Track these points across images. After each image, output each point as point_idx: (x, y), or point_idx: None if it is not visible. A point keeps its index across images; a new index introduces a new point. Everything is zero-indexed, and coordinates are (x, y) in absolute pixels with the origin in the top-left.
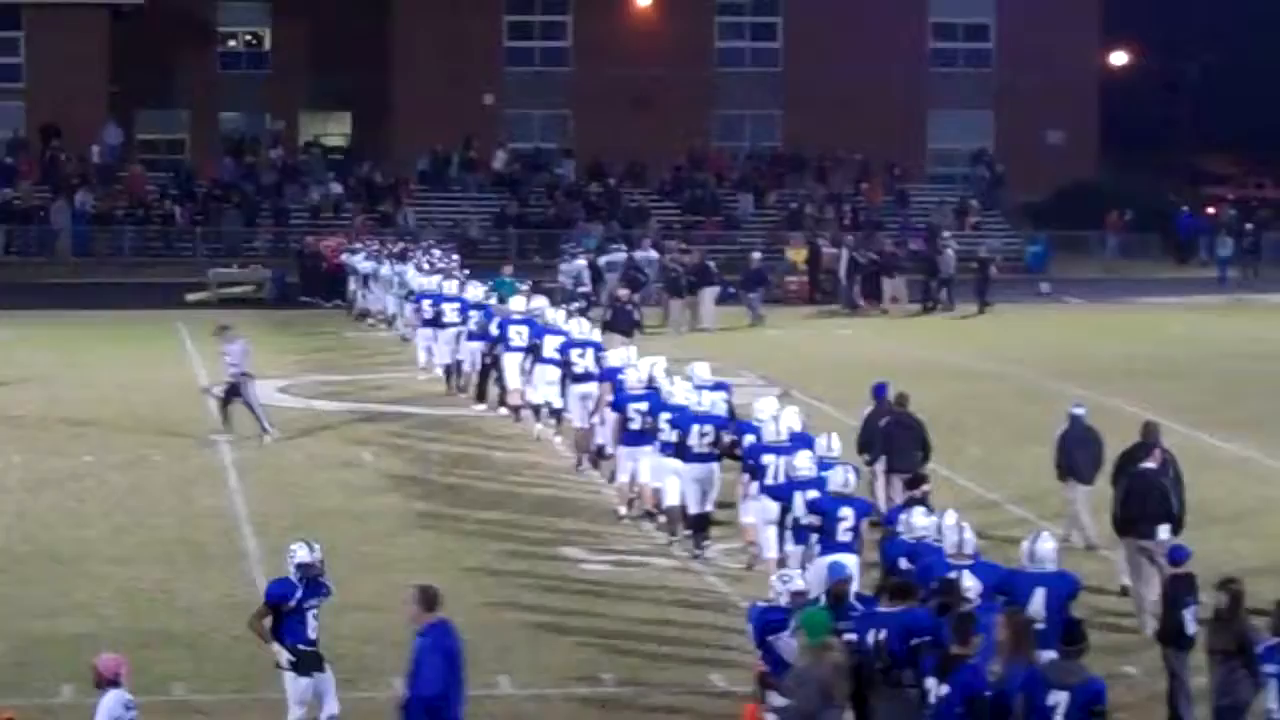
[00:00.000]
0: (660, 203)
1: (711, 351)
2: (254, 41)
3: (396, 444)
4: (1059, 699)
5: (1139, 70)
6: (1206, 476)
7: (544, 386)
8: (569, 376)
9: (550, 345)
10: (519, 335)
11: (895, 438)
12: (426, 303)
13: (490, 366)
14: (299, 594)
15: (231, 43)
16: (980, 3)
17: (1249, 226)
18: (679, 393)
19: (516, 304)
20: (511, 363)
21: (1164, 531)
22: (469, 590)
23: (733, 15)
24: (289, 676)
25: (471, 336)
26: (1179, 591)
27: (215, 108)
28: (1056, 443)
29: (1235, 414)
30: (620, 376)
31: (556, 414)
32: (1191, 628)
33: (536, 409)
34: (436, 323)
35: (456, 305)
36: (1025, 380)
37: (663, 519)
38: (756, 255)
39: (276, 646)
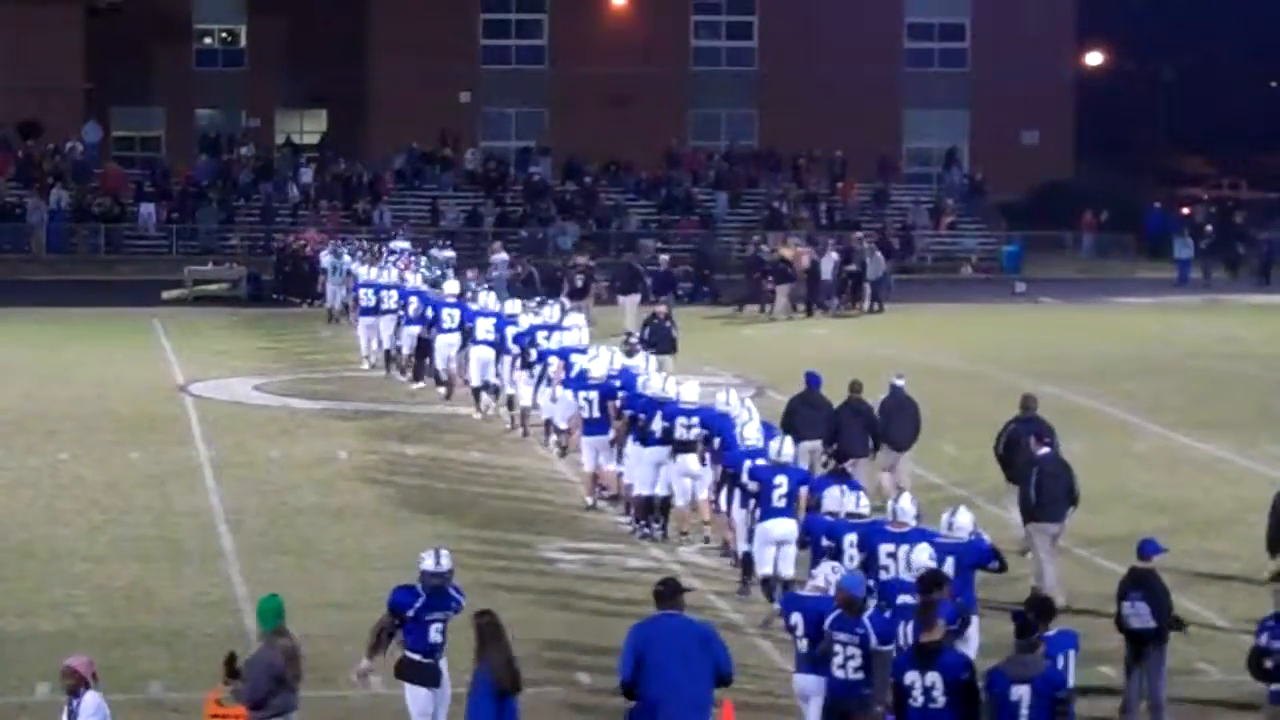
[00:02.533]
0: (636, 201)
1: (686, 350)
2: (229, 39)
3: (371, 441)
4: (1021, 693)
5: (1114, 71)
6: (1181, 476)
7: (478, 365)
8: (523, 362)
9: (483, 327)
10: (450, 318)
11: (845, 423)
12: (367, 291)
13: (425, 348)
14: (419, 604)
15: (207, 40)
16: (956, 3)
17: (1208, 228)
18: (654, 383)
19: (450, 288)
20: (443, 344)
21: (1071, 514)
22: None
23: (709, 14)
24: (407, 687)
25: (409, 321)
26: (1124, 584)
27: (191, 105)
28: (876, 410)
29: (1209, 414)
30: (572, 359)
31: (494, 390)
32: (1132, 623)
33: (477, 391)
34: (376, 310)
35: (395, 292)
36: (999, 380)
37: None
38: (664, 258)
39: (365, 664)
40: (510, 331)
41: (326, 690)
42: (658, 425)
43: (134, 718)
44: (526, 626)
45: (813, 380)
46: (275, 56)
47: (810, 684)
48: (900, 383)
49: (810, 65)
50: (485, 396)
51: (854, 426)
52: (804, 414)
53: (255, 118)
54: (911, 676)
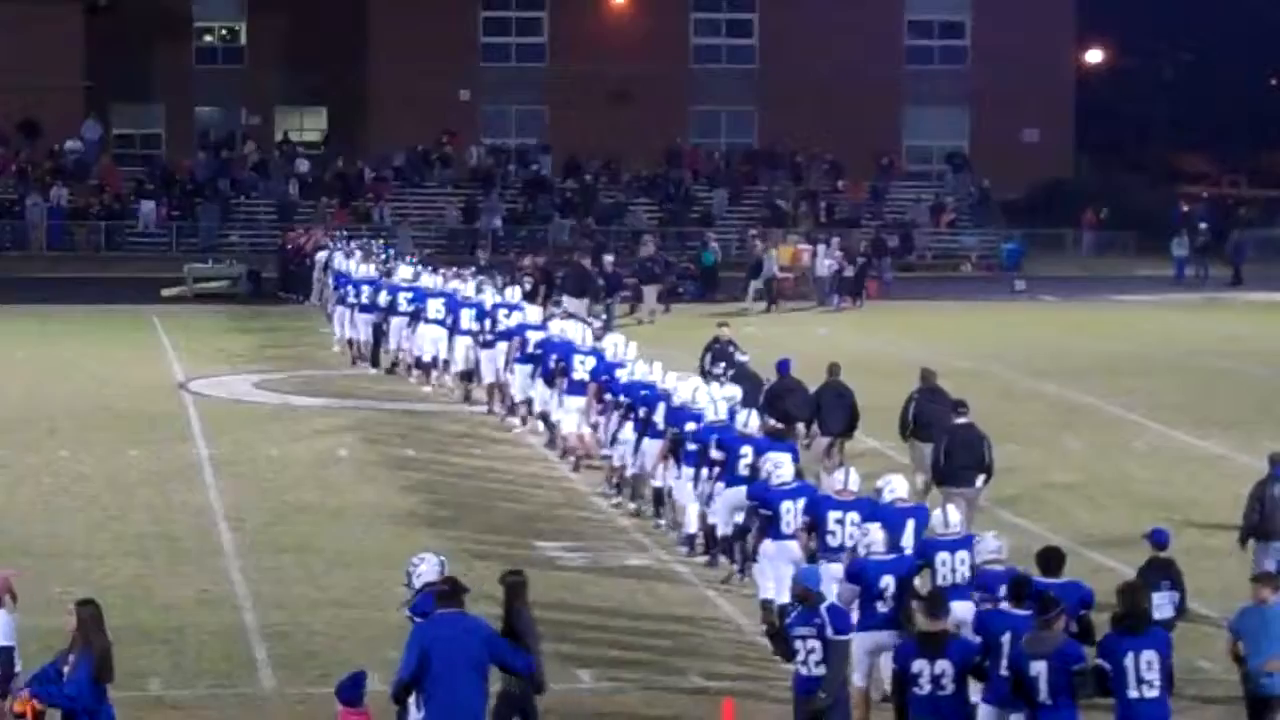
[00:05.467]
0: (636, 199)
1: (683, 347)
2: (229, 36)
3: (372, 439)
4: (1039, 668)
5: (1115, 69)
6: (1180, 474)
7: (428, 345)
8: (481, 343)
9: (433, 307)
10: (404, 302)
11: (827, 404)
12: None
13: (382, 334)
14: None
15: (207, 37)
16: (956, 1)
17: (1203, 226)
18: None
19: (403, 273)
20: (394, 326)
21: (980, 480)
22: None
23: (708, 12)
24: None
25: (364, 309)
26: (1151, 575)
27: (190, 102)
28: (764, 394)
29: (1209, 412)
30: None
31: (426, 367)
32: (1166, 612)
33: (426, 366)
34: (344, 302)
35: (354, 284)
36: (1000, 378)
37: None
38: (609, 259)
39: None
40: (467, 313)
41: (326, 687)
42: (660, 417)
43: (134, 715)
44: None
45: (782, 366)
46: (275, 54)
47: (891, 639)
48: (744, 358)
49: (810, 63)
50: (434, 372)
51: (834, 408)
52: (789, 400)
53: (255, 115)
54: (919, 665)
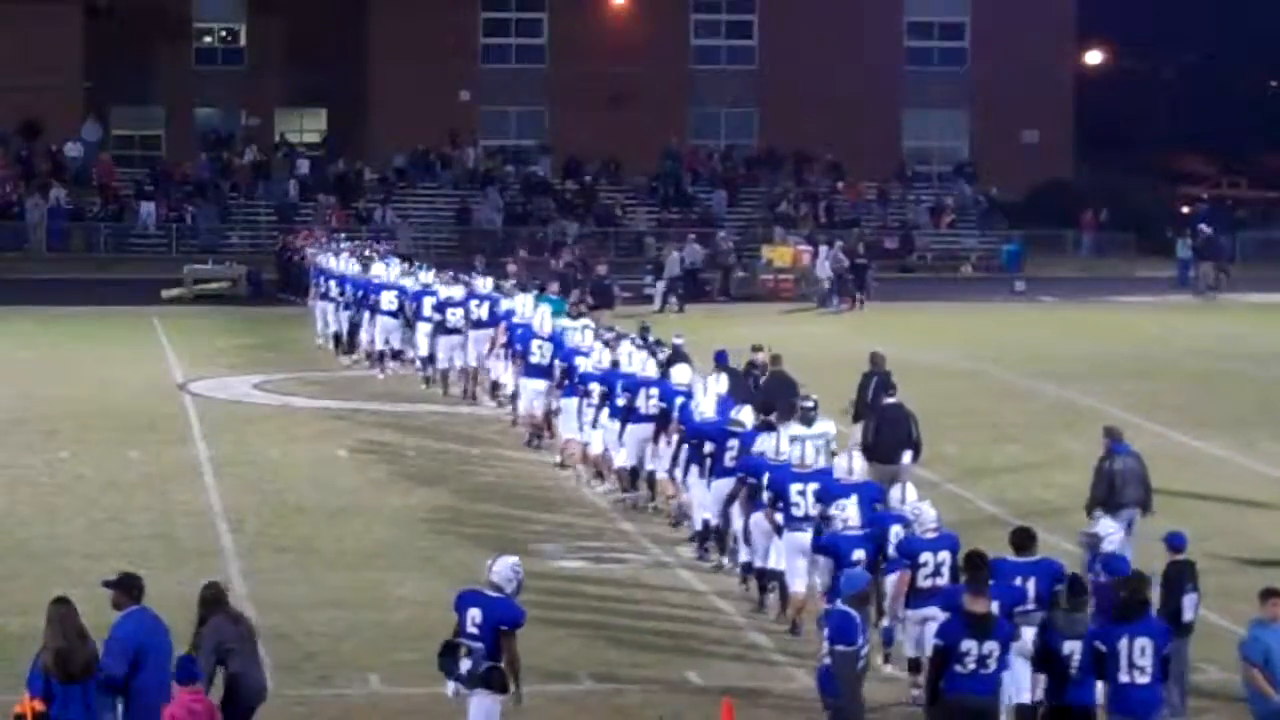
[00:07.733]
0: (636, 200)
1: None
2: (229, 37)
3: (371, 441)
4: (1073, 648)
5: (1114, 69)
6: (1180, 475)
7: (381, 333)
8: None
9: (386, 299)
10: (369, 296)
11: (776, 394)
12: (322, 279)
13: (356, 328)
14: None
15: (207, 39)
16: (956, 2)
17: (1201, 227)
18: (634, 360)
19: (377, 270)
20: (365, 321)
21: (907, 456)
22: (443, 587)
23: (708, 13)
24: None
25: (346, 306)
26: (1180, 577)
27: (191, 104)
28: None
29: (1209, 413)
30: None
31: (397, 354)
32: (1189, 614)
33: (381, 355)
34: (327, 297)
35: (336, 280)
36: (1000, 379)
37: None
38: (565, 259)
39: None
40: (429, 301)
41: (325, 689)
42: (642, 401)
43: None
44: (526, 625)
45: (720, 357)
46: (275, 55)
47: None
48: (679, 341)
49: (810, 63)
50: (391, 362)
51: (784, 396)
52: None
53: (255, 117)
54: (968, 644)
